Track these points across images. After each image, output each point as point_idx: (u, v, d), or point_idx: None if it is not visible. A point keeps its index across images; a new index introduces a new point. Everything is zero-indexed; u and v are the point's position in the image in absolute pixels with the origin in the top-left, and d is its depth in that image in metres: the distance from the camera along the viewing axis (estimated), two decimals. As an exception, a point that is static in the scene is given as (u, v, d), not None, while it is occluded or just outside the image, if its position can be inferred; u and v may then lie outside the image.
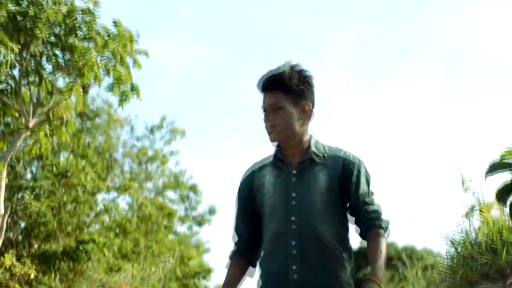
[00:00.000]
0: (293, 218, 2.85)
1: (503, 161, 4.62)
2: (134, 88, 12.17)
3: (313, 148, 2.96)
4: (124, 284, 7.81)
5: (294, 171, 2.93)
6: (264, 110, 2.95)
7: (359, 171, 2.96)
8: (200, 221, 16.90)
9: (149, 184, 16.97)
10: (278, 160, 2.98)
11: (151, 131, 17.39)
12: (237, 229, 3.08)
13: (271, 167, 3.00)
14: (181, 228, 16.59)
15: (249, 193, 3.03)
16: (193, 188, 17.34)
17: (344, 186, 2.92)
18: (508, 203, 4.72)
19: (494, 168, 4.61)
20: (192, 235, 16.76)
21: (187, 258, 14.27)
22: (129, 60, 12.03)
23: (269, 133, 2.94)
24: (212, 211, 17.19)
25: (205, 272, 15.54)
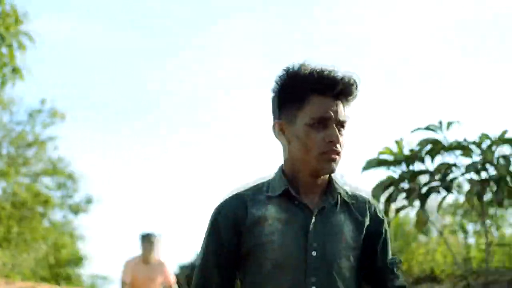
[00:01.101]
0: (313, 279, 2.04)
1: (380, 158, 4.69)
2: (16, 70, 11.71)
3: (336, 184, 2.17)
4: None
5: (314, 213, 2.08)
6: (325, 119, 2.08)
7: (387, 228, 2.23)
8: (76, 210, 16.69)
9: (26, 169, 16.51)
10: (288, 195, 2.11)
11: (31, 115, 16.87)
12: (208, 278, 2.13)
13: (276, 201, 2.11)
14: (57, 216, 16.34)
15: (236, 228, 2.09)
16: (71, 176, 17.05)
17: (369, 242, 2.15)
18: (382, 200, 4.80)
19: (370, 164, 4.68)
20: (67, 223, 16.50)
21: (61, 246, 14.04)
22: (13, 42, 11.58)
23: (331, 157, 2.07)
24: (89, 200, 17.01)
25: (77, 260, 15.37)
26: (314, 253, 2.06)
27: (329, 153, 2.06)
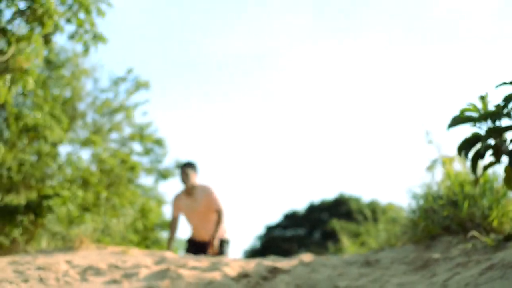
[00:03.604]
0: None
1: (464, 114, 4.53)
2: (97, 36, 11.84)
3: None
4: (84, 237, 7.71)
5: None
6: None
7: None
8: (165, 175, 16.91)
9: (114, 136, 16.81)
10: None
11: (116, 82, 17.07)
12: None
13: None
14: (146, 181, 16.65)
15: None
16: (159, 142, 17.22)
17: None
18: (469, 157, 4.65)
19: (455, 121, 4.53)
20: (153, 189, 16.75)
21: (148, 211, 14.32)
22: (92, 9, 11.72)
23: None
24: (178, 165, 17.11)
25: (164, 224, 15.64)
26: None
27: None
